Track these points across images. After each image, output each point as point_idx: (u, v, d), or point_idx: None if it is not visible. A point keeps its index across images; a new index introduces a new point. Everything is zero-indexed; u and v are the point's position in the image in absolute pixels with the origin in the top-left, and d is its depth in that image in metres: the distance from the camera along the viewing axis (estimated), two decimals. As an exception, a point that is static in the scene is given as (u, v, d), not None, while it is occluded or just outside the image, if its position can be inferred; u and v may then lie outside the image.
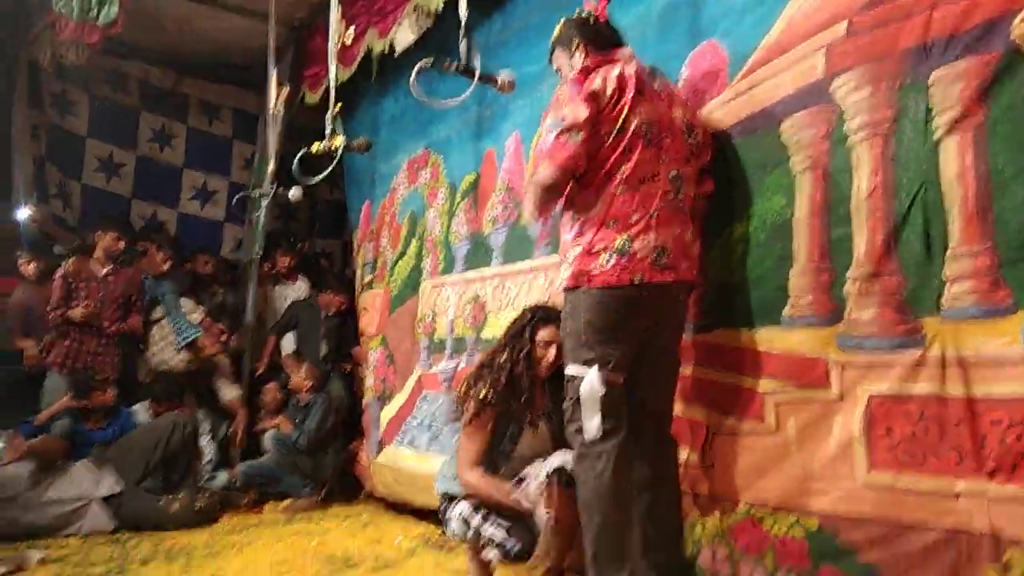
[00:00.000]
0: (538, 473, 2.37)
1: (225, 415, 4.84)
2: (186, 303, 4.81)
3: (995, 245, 1.69)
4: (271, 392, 4.84)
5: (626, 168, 2.05)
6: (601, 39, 2.24)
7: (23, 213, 4.81)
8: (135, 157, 5.66)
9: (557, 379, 2.48)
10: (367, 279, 4.63)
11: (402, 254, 4.22)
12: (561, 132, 2.02)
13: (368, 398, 4.46)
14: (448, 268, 3.77)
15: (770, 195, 2.17)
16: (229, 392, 4.82)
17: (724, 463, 2.22)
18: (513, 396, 2.44)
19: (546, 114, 2.10)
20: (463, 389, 2.54)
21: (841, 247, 1.97)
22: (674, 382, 2.25)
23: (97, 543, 3.41)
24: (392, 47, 3.83)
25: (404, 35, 3.69)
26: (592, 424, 2.00)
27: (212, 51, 5.37)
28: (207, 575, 2.87)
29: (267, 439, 4.45)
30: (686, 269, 2.13)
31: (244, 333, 5.00)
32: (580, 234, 2.09)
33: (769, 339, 2.12)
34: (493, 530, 2.35)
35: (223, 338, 4.79)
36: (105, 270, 4.44)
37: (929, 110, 1.81)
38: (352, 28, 3.72)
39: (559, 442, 2.55)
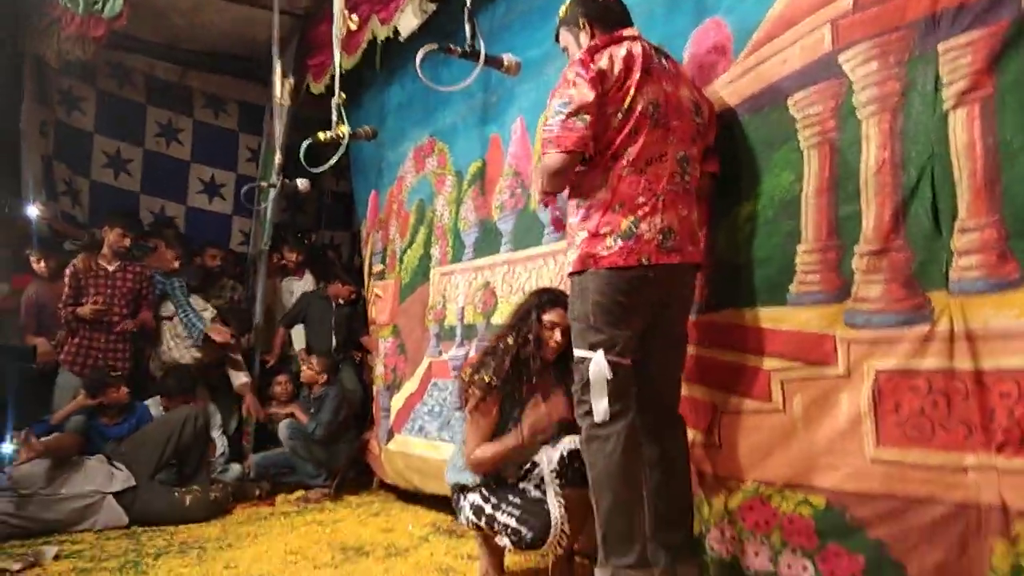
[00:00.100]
0: (551, 458, 2.38)
1: (236, 409, 4.87)
2: (196, 302, 4.83)
3: (1003, 218, 1.66)
4: (282, 384, 4.87)
5: (633, 150, 2.04)
6: (608, 18, 2.22)
7: (33, 211, 4.84)
8: (142, 152, 5.69)
9: (563, 362, 2.48)
10: (376, 269, 4.64)
11: (411, 243, 4.23)
12: (568, 116, 2.01)
13: (378, 386, 4.49)
14: (458, 255, 3.77)
15: (778, 172, 2.15)
16: (239, 378, 4.84)
17: (731, 442, 2.21)
18: (519, 379, 2.44)
19: (553, 95, 2.09)
20: (468, 375, 2.55)
21: (849, 223, 1.95)
22: (682, 362, 2.24)
23: (111, 537, 3.44)
24: (396, 33, 3.82)
25: (408, 21, 3.68)
26: (600, 406, 2.00)
27: (216, 43, 5.39)
28: (221, 566, 2.89)
29: (282, 428, 4.47)
30: (692, 251, 2.12)
31: (255, 333, 5.01)
32: (586, 217, 2.08)
33: (776, 317, 2.11)
34: (505, 518, 2.36)
35: (233, 342, 4.81)
36: (114, 266, 4.47)
37: (938, 82, 1.79)
38: (356, 15, 3.72)
39: (565, 423, 2.57)
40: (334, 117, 3.06)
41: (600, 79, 2.02)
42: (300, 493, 4.37)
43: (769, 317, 2.13)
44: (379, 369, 4.50)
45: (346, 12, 3.00)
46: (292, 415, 4.55)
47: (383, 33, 3.94)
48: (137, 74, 5.63)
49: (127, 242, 4.51)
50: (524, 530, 2.29)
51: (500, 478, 2.48)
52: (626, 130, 2.04)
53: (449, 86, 2.44)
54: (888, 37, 1.89)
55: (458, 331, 3.70)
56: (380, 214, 4.65)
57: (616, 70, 2.04)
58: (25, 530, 3.38)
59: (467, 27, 2.36)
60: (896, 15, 1.88)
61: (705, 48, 2.42)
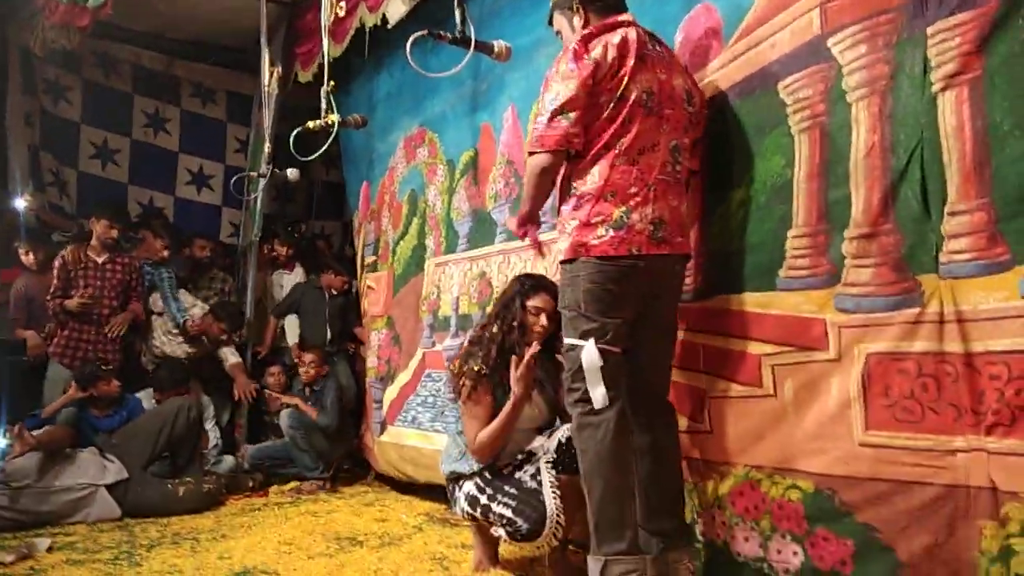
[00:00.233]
0: (548, 447, 2.38)
1: (229, 401, 4.85)
2: (185, 297, 4.80)
3: (992, 200, 1.66)
4: (275, 375, 4.85)
5: (626, 140, 2.04)
6: (602, 2, 2.20)
7: (20, 202, 4.80)
8: (130, 142, 5.64)
9: (549, 348, 2.48)
10: (369, 260, 4.62)
11: (404, 233, 4.21)
12: (553, 114, 2.01)
13: (370, 379, 4.48)
14: (451, 246, 3.76)
15: (769, 156, 2.14)
16: (230, 357, 4.81)
17: (722, 427, 2.21)
18: (506, 366, 2.44)
19: (546, 85, 2.08)
20: (457, 366, 2.55)
21: (839, 207, 1.95)
22: (672, 350, 2.25)
23: (104, 529, 3.42)
24: (385, 21, 3.79)
25: (396, 8, 3.64)
26: (598, 394, 2.01)
27: (203, 32, 5.34)
28: (215, 557, 2.88)
29: (283, 417, 4.44)
30: (681, 242, 2.13)
31: (248, 328, 4.99)
32: (578, 206, 2.08)
33: (766, 302, 2.10)
34: (501, 508, 2.35)
35: (224, 338, 4.78)
36: (103, 258, 4.44)
37: (926, 65, 1.78)
38: (343, 2, 3.69)
39: (555, 410, 2.57)
40: (323, 105, 3.04)
41: (594, 70, 2.01)
42: (294, 484, 4.37)
43: (760, 302, 2.12)
44: (372, 361, 4.49)
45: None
46: (296, 407, 4.48)
47: (371, 20, 3.91)
48: (123, 63, 5.57)
49: (115, 233, 4.47)
50: (520, 521, 2.29)
51: (495, 468, 2.48)
52: (619, 119, 2.03)
53: (440, 73, 2.42)
54: (877, 20, 1.88)
55: (453, 321, 3.69)
56: (372, 205, 4.62)
57: (610, 58, 2.03)
58: (18, 523, 3.37)
59: (457, 13, 2.35)
60: (885, -2, 1.87)
61: (696, 34, 2.41)
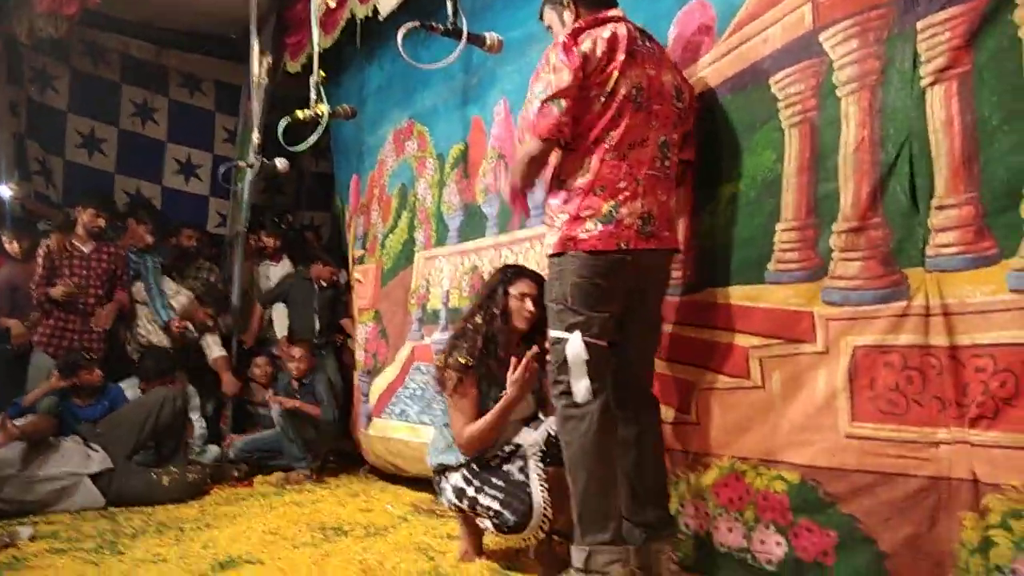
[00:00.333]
0: (535, 439, 2.38)
1: (214, 391, 4.82)
2: (169, 285, 4.75)
3: (980, 195, 1.68)
4: (261, 366, 4.83)
5: (615, 134, 2.04)
6: None
7: (5, 191, 4.75)
8: (117, 132, 5.59)
9: (532, 338, 2.48)
10: (358, 254, 4.61)
11: (394, 227, 4.19)
12: (545, 101, 2.01)
13: (357, 371, 4.46)
14: (441, 239, 3.75)
15: (760, 151, 2.15)
16: (214, 350, 4.78)
17: (708, 419, 2.22)
18: (491, 356, 2.44)
19: (535, 77, 2.08)
20: (442, 359, 2.54)
21: (827, 201, 1.96)
22: (656, 343, 2.26)
23: (88, 518, 3.40)
24: (376, 12, 3.77)
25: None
26: (580, 387, 2.01)
27: (192, 21, 5.30)
28: (199, 546, 2.86)
29: (275, 406, 4.40)
30: (669, 237, 2.14)
31: (233, 314, 4.96)
32: (567, 200, 2.08)
33: (755, 295, 2.11)
34: (488, 501, 2.35)
35: (210, 324, 4.75)
36: (89, 247, 4.40)
37: (916, 60, 1.79)
38: (334, -8, 3.68)
39: (539, 401, 2.57)
40: (312, 96, 3.03)
41: (582, 62, 2.01)
42: (279, 475, 4.35)
43: (748, 295, 2.13)
44: (359, 355, 4.47)
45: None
46: (297, 409, 4.39)
47: (362, 12, 3.89)
48: (111, 52, 5.52)
49: (101, 222, 4.43)
50: (507, 513, 2.28)
51: (483, 460, 2.48)
52: (608, 114, 2.03)
53: (432, 64, 2.42)
54: (868, 15, 1.90)
55: (442, 315, 3.68)
56: (362, 199, 4.61)
57: (599, 52, 2.03)
58: (1, 512, 3.34)
59: (449, 5, 2.35)
60: (876, -8, 1.88)
61: (690, 29, 2.41)
